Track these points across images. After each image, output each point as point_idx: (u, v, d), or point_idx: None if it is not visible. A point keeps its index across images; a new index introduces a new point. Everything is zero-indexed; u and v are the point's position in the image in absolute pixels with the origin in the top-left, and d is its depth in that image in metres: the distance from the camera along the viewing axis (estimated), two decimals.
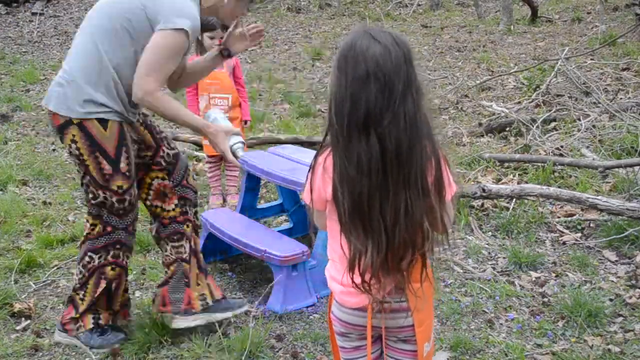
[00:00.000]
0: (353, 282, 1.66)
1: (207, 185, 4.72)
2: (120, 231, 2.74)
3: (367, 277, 1.63)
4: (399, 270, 1.64)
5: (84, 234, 2.78)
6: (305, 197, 1.74)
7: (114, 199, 2.65)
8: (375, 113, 1.53)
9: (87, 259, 2.76)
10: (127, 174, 2.65)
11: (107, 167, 2.60)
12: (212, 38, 4.25)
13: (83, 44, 2.58)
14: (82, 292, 2.80)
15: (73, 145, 2.58)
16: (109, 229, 2.72)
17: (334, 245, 1.74)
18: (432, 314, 1.82)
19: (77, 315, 2.82)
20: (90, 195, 2.67)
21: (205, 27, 4.17)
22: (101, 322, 2.85)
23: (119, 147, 2.61)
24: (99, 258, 2.76)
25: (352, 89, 1.54)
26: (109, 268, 2.78)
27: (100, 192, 2.64)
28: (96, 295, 2.79)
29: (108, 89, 2.55)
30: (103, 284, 2.78)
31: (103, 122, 2.57)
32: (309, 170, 1.71)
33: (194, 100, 4.45)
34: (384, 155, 1.55)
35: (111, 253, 2.76)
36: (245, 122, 4.62)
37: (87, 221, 2.76)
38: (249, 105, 4.69)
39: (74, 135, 2.56)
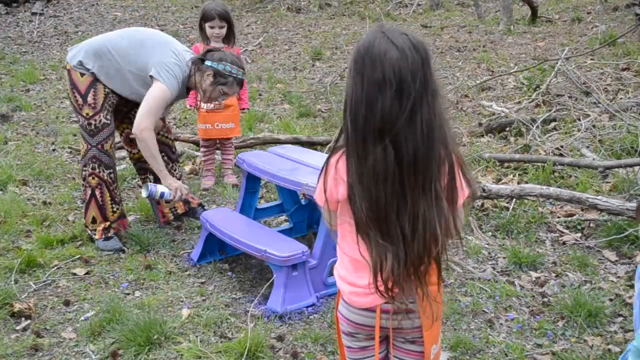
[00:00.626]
0: (377, 289, 1.65)
1: (201, 169, 5.00)
2: (93, 148, 3.71)
3: (389, 284, 1.62)
4: (417, 277, 1.63)
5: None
6: (318, 198, 1.73)
7: (85, 123, 3.70)
8: (390, 120, 1.51)
9: (83, 172, 3.78)
10: (97, 107, 3.67)
11: (80, 100, 3.69)
12: (212, 27, 4.62)
13: (109, 37, 3.75)
14: (85, 202, 3.83)
15: (66, 84, 3.81)
16: (88, 146, 3.73)
17: (343, 245, 1.74)
18: (441, 316, 1.82)
19: (87, 223, 3.85)
20: (76, 119, 3.96)
21: (206, 17, 4.64)
22: (101, 229, 3.82)
23: (89, 89, 3.67)
24: (87, 169, 3.75)
25: (368, 94, 1.52)
26: (90, 178, 3.75)
27: (79, 117, 3.74)
28: (86, 200, 3.81)
29: (96, 65, 3.67)
30: (89, 191, 3.77)
31: (82, 74, 3.69)
32: (321, 171, 1.70)
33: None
34: (400, 162, 1.53)
35: (90, 166, 3.73)
36: (243, 109, 4.96)
37: (80, 145, 3.92)
38: (247, 93, 5.03)
39: (65, 78, 3.84)
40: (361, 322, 1.77)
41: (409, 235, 1.57)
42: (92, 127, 3.69)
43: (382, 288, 1.63)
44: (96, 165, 3.72)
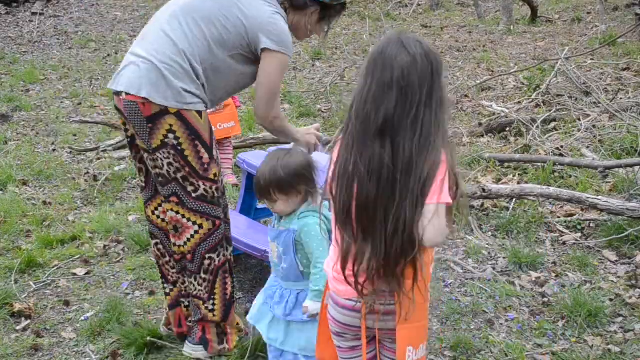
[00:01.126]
0: (346, 280, 1.68)
1: None
2: (224, 224, 2.67)
3: (361, 279, 1.65)
4: (394, 276, 1.65)
5: (187, 238, 2.60)
6: (327, 191, 1.75)
7: (213, 188, 2.58)
8: (393, 121, 1.56)
9: (207, 262, 2.63)
10: (217, 161, 2.62)
11: (206, 156, 2.54)
12: None
13: (178, 37, 2.48)
14: (212, 301, 2.69)
15: (170, 136, 2.46)
16: (217, 222, 2.62)
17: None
18: (424, 318, 1.79)
19: (218, 330, 2.74)
20: (191, 189, 2.54)
21: None
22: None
23: (211, 135, 2.57)
24: (218, 256, 2.65)
25: (375, 93, 1.57)
26: (227, 265, 2.70)
27: (200, 183, 2.54)
28: (227, 295, 2.71)
29: (200, 85, 2.52)
30: (229, 281, 2.71)
31: (199, 112, 2.51)
32: (329, 165, 1.74)
33: None
34: (396, 163, 1.56)
35: (225, 247, 2.68)
36: (238, 107, 5.08)
37: (188, 222, 2.58)
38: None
39: (171, 125, 2.45)
40: (347, 323, 1.80)
41: (390, 234, 1.59)
42: (219, 191, 2.63)
43: (351, 280, 1.66)
44: (227, 245, 2.72)
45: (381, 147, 1.56)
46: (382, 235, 1.60)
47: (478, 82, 6.92)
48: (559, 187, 4.20)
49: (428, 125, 1.56)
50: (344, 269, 1.68)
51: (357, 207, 1.61)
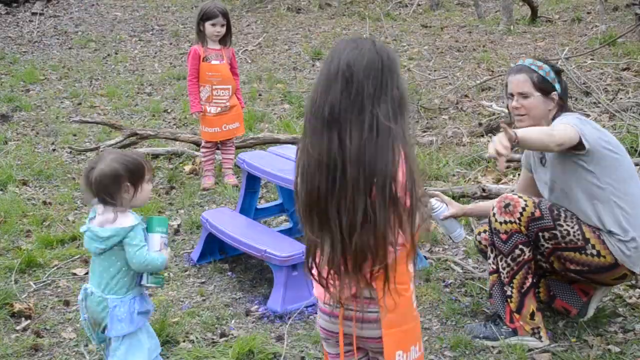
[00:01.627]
0: (311, 273, 1.69)
1: (201, 169, 4.98)
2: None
3: (324, 272, 1.65)
4: (361, 276, 1.63)
5: (517, 221, 2.74)
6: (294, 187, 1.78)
7: None
8: (338, 111, 1.56)
9: (517, 252, 2.75)
10: None
11: None
12: (214, 25, 4.62)
13: None
14: (510, 288, 2.80)
15: None
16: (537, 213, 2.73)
17: None
18: (412, 320, 1.76)
19: (523, 318, 2.80)
20: None
21: (207, 15, 4.65)
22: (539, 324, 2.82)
23: None
24: (530, 252, 2.75)
25: (324, 85, 1.59)
26: (532, 262, 2.78)
27: None
28: (525, 288, 2.77)
29: None
30: (530, 279, 2.77)
31: None
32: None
33: (195, 90, 4.72)
34: (344, 154, 1.55)
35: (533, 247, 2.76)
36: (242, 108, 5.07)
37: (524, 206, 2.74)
38: (240, 92, 5.14)
39: None
40: (327, 328, 1.79)
41: (346, 228, 1.58)
42: None
43: (316, 274, 1.67)
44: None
45: (329, 139, 1.56)
46: (336, 228, 1.59)
47: (478, 82, 6.92)
48: None
49: (383, 120, 1.55)
50: (309, 265, 1.68)
51: (312, 201, 1.61)
